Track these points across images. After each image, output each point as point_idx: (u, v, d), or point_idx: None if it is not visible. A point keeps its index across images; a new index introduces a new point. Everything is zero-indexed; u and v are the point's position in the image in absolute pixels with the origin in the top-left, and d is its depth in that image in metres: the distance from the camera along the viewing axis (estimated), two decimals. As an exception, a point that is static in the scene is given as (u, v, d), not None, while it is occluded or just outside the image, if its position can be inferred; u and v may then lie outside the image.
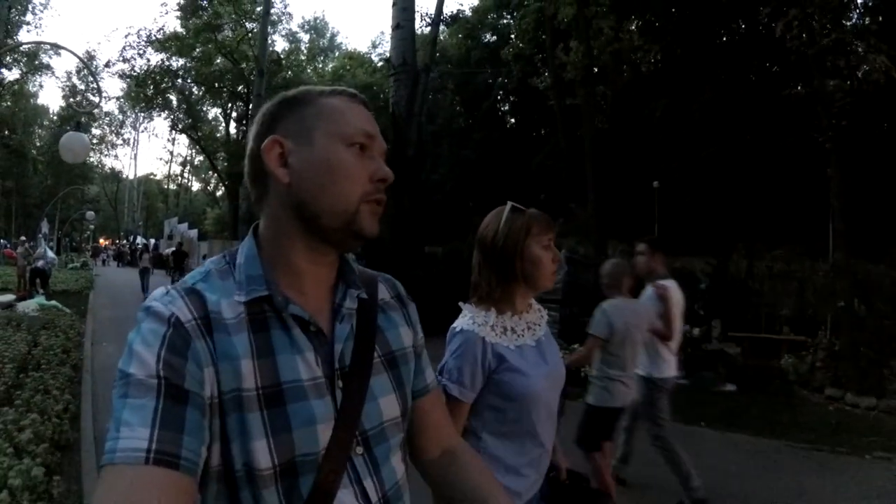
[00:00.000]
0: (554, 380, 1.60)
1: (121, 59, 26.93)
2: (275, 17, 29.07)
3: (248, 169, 0.87)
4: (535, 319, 1.65)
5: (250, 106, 24.43)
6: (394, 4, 11.72)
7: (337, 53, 43.85)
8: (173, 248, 18.91)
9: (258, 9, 23.55)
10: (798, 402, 7.26)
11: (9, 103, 36.65)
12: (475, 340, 1.50)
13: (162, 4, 48.16)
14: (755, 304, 10.20)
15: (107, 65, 29.58)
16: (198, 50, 26.68)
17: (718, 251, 12.01)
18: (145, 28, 34.08)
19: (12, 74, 34.37)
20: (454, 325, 1.58)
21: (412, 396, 0.95)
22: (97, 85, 39.72)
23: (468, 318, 1.56)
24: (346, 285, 0.88)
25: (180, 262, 16.66)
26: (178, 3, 25.04)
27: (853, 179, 9.80)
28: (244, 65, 26.33)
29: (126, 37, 40.93)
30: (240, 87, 28.82)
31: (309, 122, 0.82)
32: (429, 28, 15.71)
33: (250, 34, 24.51)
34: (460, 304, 1.64)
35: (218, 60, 27.76)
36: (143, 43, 25.89)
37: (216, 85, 28.99)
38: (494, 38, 26.69)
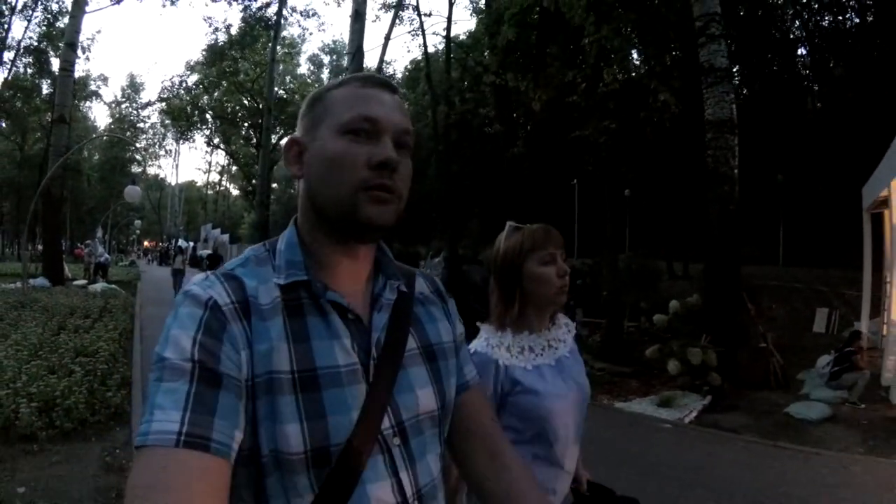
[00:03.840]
0: (574, 402, 1.54)
1: (158, 99, 32.62)
2: (285, 55, 34.32)
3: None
4: (558, 336, 1.61)
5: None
6: (346, 69, 16.15)
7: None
8: (209, 252, 23.16)
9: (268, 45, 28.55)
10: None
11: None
12: (488, 364, 1.47)
13: (186, 63, 54.59)
14: (608, 296, 12.17)
15: (148, 103, 35.57)
16: (220, 90, 32.06)
17: (596, 253, 15.75)
18: (177, 75, 40.46)
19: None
20: (470, 346, 1.50)
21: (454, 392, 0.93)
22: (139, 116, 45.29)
23: (483, 340, 1.54)
24: (386, 277, 0.89)
25: (214, 265, 19.27)
26: (203, 51, 30.37)
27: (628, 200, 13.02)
28: (258, 100, 31.42)
29: (162, 82, 46.80)
30: (254, 120, 34.09)
31: (318, 117, 0.83)
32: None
33: (260, 78, 29.54)
34: (478, 324, 1.60)
35: (239, 98, 33.12)
36: (175, 86, 31.51)
37: (238, 118, 34.46)
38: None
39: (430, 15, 48.74)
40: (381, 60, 16.78)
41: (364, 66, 15.62)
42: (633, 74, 11.97)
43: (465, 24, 64.93)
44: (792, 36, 22.06)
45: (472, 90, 23.14)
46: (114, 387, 5.56)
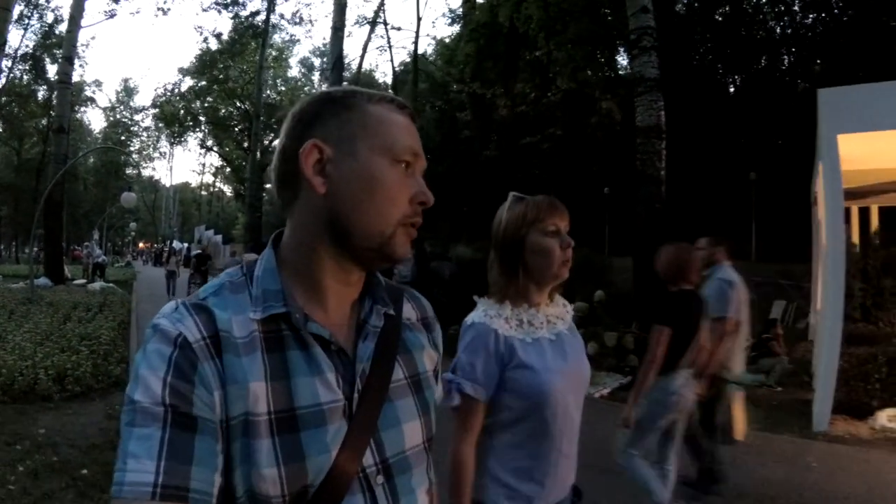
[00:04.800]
0: (574, 379, 1.50)
1: (152, 105, 33.95)
2: (274, 61, 35.58)
3: (278, 168, 0.79)
4: (557, 313, 1.57)
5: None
6: (328, 77, 17.32)
7: (347, 74, 49.89)
8: (197, 252, 23.80)
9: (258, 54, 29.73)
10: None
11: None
12: (487, 333, 1.44)
13: (179, 69, 55.96)
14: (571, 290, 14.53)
15: (142, 108, 37.04)
16: (212, 94, 33.39)
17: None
18: (170, 82, 42.12)
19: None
20: (467, 318, 1.52)
21: None
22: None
23: (481, 311, 1.51)
24: (373, 301, 0.83)
25: (200, 265, 18.11)
26: (193, 61, 31.66)
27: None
28: (247, 105, 32.69)
29: (155, 89, 48.40)
30: (244, 125, 35.39)
31: (353, 129, 0.76)
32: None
33: (249, 84, 30.80)
34: (475, 297, 1.58)
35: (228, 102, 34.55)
36: (168, 94, 32.89)
37: (231, 123, 35.87)
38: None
39: (399, 29, 51.23)
40: (359, 71, 17.99)
41: (344, 74, 16.76)
42: (584, 82, 13.10)
43: (451, 28, 66.05)
44: (777, 36, 22.59)
45: (444, 97, 24.23)
46: (114, 362, 6.76)
